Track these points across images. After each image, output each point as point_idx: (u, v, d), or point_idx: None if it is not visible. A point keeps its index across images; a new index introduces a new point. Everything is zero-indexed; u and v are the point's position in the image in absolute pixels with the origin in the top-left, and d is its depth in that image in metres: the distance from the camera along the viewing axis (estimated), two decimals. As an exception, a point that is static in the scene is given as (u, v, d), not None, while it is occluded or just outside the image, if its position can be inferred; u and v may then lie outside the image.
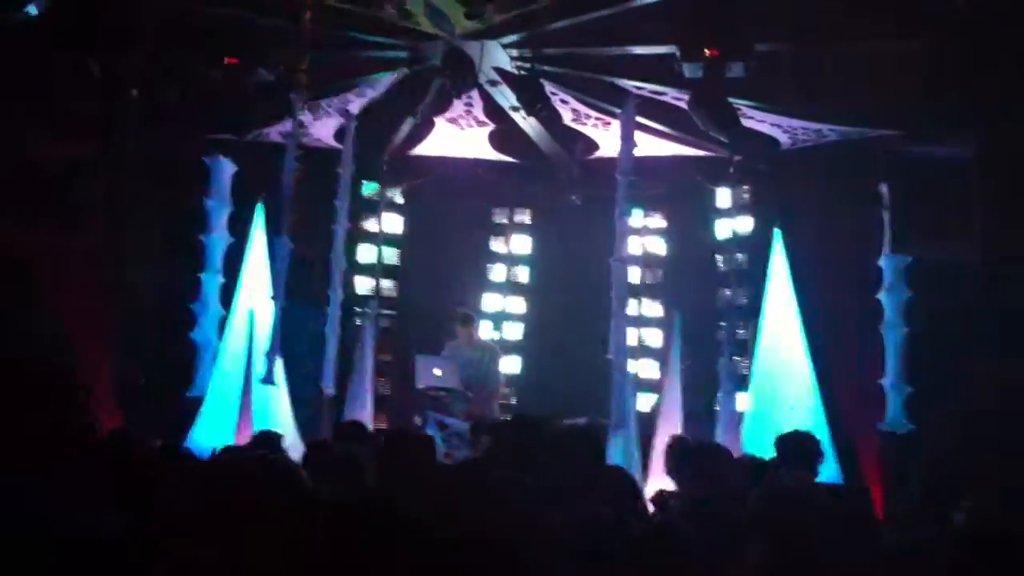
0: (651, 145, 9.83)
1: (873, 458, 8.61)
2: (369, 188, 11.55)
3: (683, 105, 8.50)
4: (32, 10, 6.12)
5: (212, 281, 10.23)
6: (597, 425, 7.35)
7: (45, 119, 8.49)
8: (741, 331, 10.07)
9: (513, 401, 11.22)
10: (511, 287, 12.07)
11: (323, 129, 10.24)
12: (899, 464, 8.43)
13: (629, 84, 8.76)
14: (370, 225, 11.64)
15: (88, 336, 9.14)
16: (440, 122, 10.21)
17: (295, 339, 9.61)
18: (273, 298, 9.16)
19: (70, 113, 8.37)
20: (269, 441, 6.22)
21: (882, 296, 8.94)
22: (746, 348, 9.86)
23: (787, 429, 8.31)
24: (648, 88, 8.76)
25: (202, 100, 8.67)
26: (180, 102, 8.25)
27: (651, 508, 5.39)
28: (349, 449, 5.13)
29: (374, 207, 11.68)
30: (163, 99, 8.05)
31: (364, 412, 9.36)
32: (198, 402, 9.48)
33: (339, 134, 10.13)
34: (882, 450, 8.62)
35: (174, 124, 8.83)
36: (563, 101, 9.38)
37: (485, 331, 11.25)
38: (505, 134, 10.41)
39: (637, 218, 10.82)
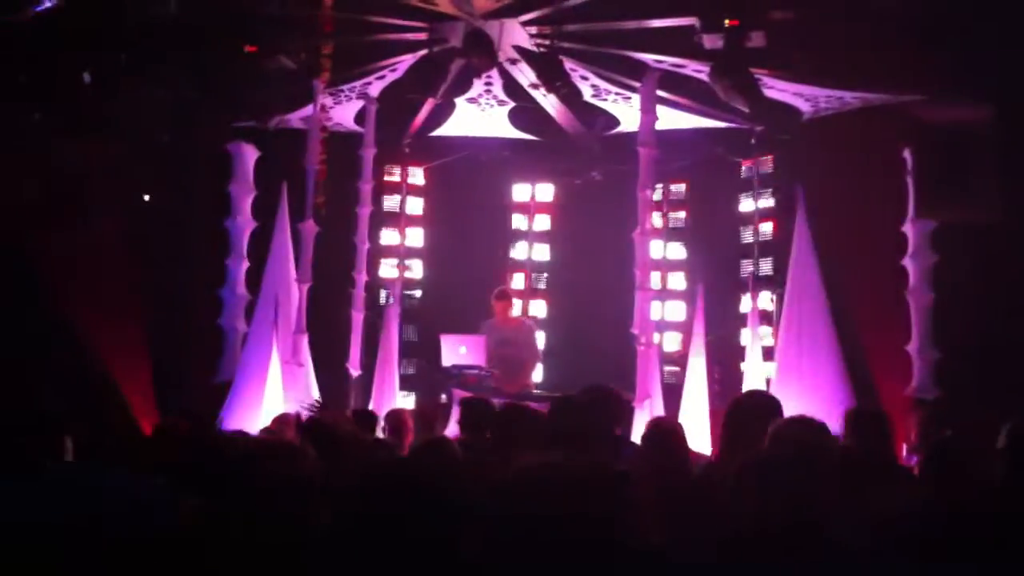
0: (672, 118, 9.83)
1: (903, 425, 8.61)
2: (392, 170, 11.64)
3: (704, 77, 8.49)
4: (47, 2, 6.13)
5: (238, 266, 10.33)
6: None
7: (66, 117, 8.55)
8: (766, 302, 10.08)
9: (539, 378, 11.28)
10: (534, 264, 12.12)
11: (344, 113, 10.29)
12: (928, 429, 8.43)
13: (648, 58, 8.75)
14: (393, 206, 11.71)
15: (119, 329, 9.26)
16: (460, 102, 10.24)
17: (322, 321, 9.69)
18: (299, 281, 9.23)
19: (91, 109, 8.42)
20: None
21: (907, 262, 8.92)
22: (771, 319, 9.89)
23: (814, 398, 8.45)
24: (668, 61, 8.74)
25: (224, 88, 8.73)
26: (201, 93, 8.30)
27: None
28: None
29: (397, 189, 11.76)
30: (184, 90, 8.09)
31: (390, 392, 9.44)
32: (227, 387, 9.59)
33: (360, 117, 10.18)
34: (912, 416, 8.61)
35: (196, 112, 8.89)
36: (583, 77, 9.38)
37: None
38: (525, 112, 10.43)
39: (659, 192, 10.80)
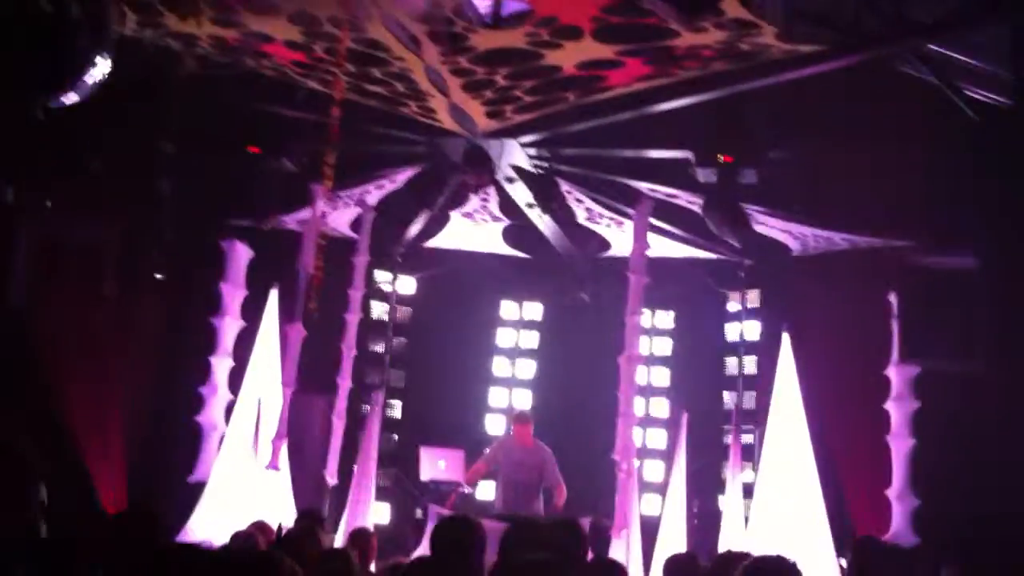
0: (663, 246, 9.94)
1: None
2: (382, 278, 11.70)
3: (696, 208, 8.62)
4: (72, 98, 6.17)
5: (222, 365, 10.26)
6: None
7: (69, 197, 8.60)
8: (748, 435, 10.04)
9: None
10: (517, 381, 12.09)
11: (339, 218, 10.37)
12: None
13: (643, 186, 8.89)
14: (381, 314, 11.74)
15: (95, 418, 9.15)
16: (455, 215, 10.35)
17: (302, 426, 9.60)
18: (283, 384, 9.16)
19: (92, 193, 8.49)
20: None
21: (890, 405, 8.91)
22: (752, 453, 9.84)
23: (791, 537, 8.36)
24: (662, 190, 8.88)
25: (223, 186, 8.82)
26: (200, 188, 8.39)
27: None
28: None
29: (386, 297, 11.80)
30: (185, 184, 8.18)
31: (365, 502, 9.28)
32: (200, 487, 9.45)
33: (355, 224, 10.26)
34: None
35: (193, 208, 8.95)
36: (578, 200, 9.52)
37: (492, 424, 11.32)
38: (519, 230, 10.54)
39: (646, 318, 10.87)
